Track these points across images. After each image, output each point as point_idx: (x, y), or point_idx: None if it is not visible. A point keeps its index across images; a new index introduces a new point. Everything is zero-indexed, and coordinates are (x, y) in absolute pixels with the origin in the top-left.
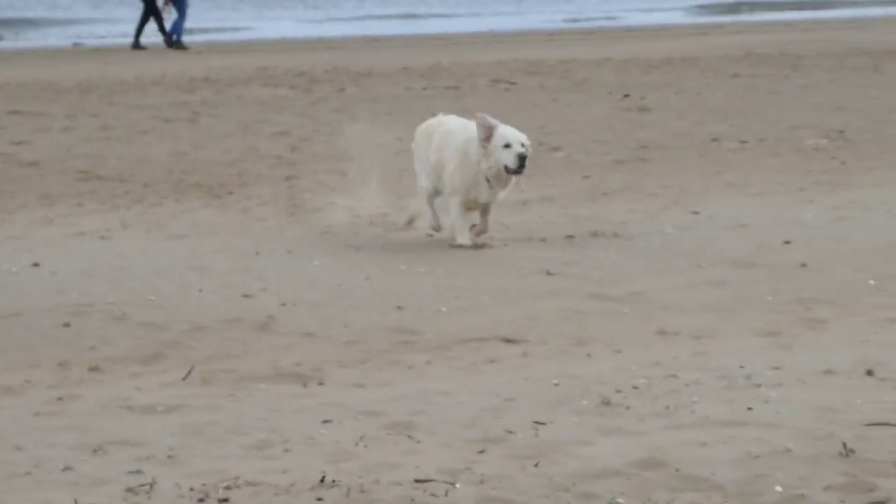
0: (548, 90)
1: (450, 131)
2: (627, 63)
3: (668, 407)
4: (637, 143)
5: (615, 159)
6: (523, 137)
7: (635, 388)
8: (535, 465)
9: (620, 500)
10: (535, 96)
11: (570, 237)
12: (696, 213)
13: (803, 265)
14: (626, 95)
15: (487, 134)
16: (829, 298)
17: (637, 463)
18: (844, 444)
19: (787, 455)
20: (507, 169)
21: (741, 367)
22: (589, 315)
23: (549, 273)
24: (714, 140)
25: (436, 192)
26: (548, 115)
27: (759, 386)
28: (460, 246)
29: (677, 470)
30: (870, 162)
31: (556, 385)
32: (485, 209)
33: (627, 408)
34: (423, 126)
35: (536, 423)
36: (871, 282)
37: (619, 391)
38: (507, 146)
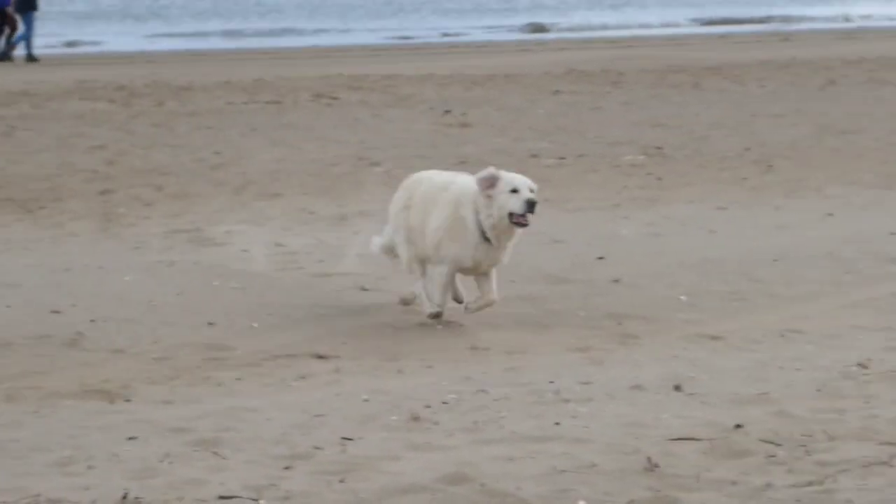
0: (370, 105)
1: (435, 185)
2: (450, 79)
3: (476, 422)
4: (458, 158)
5: None
6: (531, 182)
7: (445, 403)
8: (342, 481)
9: None
10: (358, 111)
11: None
12: None
13: (616, 281)
14: (447, 111)
15: (490, 183)
16: (640, 314)
17: (444, 478)
18: (649, 459)
19: (593, 470)
20: (511, 216)
21: (551, 382)
22: (402, 331)
23: (362, 289)
24: (533, 156)
25: (420, 261)
26: (369, 130)
27: (568, 401)
28: (432, 315)
29: (483, 485)
30: (687, 178)
31: (366, 401)
32: (485, 274)
33: (436, 423)
34: (404, 183)
35: (344, 439)
36: (683, 298)
37: (428, 407)
38: (515, 191)
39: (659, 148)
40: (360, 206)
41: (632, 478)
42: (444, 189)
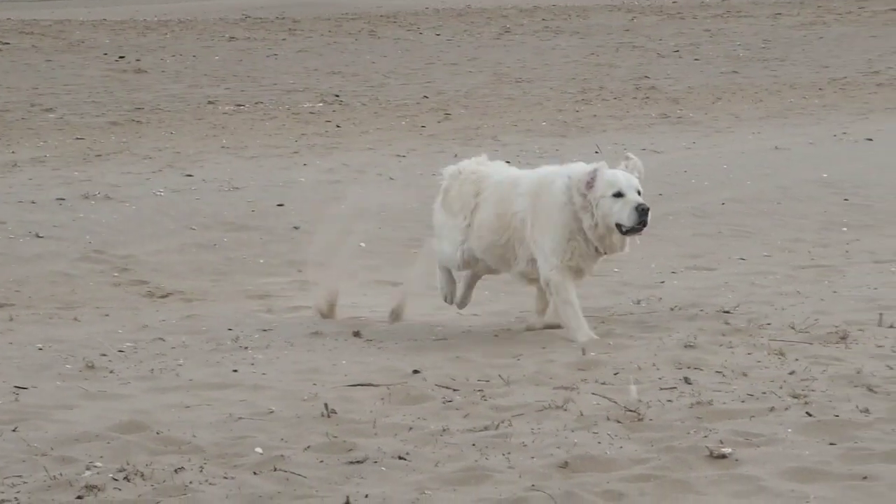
0: (42, 51)
1: (526, 177)
2: (123, 25)
3: (153, 370)
4: (132, 105)
5: (109, 121)
6: (636, 181)
7: (121, 351)
8: (14, 430)
9: (98, 463)
10: (29, 57)
11: (60, 200)
12: (189, 175)
13: (296, 228)
14: (121, 57)
15: (588, 179)
16: (320, 261)
17: (118, 426)
18: (326, 405)
19: (270, 417)
20: (620, 228)
21: (229, 329)
22: (78, 279)
23: (38, 236)
24: (210, 103)
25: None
26: (41, 77)
27: (247, 348)
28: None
29: (158, 433)
30: (364, 126)
31: (41, 349)
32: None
33: (111, 371)
34: (456, 169)
35: (18, 387)
36: (363, 244)
37: (104, 355)
38: (619, 195)
39: (337, 96)
40: (33, 152)
41: (309, 424)
42: (543, 184)
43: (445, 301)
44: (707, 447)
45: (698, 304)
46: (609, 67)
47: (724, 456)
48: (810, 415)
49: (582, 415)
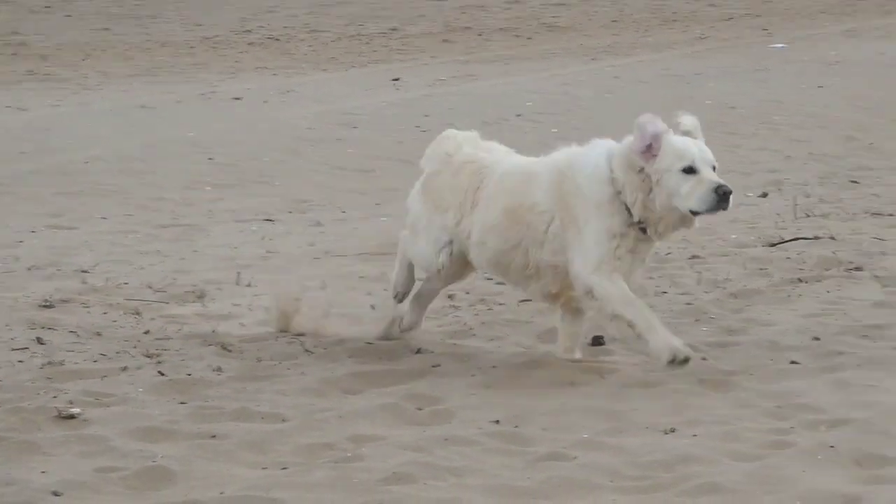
0: None
1: (541, 163)
2: None
3: None
4: None
5: None
6: (710, 154)
7: None
8: None
9: None
10: None
11: None
12: None
13: None
14: None
15: (648, 144)
16: None
17: None
18: None
19: None
20: (694, 214)
21: None
22: None
23: None
24: None
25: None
26: None
27: None
28: (675, 361)
29: None
30: None
31: None
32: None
33: None
34: (445, 152)
35: None
36: None
37: None
38: (691, 170)
39: None
40: None
41: None
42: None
43: (395, 299)
44: (56, 408)
45: (56, 264)
46: None
47: (72, 416)
48: (162, 374)
49: None
